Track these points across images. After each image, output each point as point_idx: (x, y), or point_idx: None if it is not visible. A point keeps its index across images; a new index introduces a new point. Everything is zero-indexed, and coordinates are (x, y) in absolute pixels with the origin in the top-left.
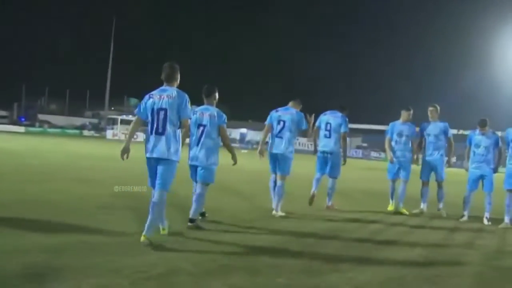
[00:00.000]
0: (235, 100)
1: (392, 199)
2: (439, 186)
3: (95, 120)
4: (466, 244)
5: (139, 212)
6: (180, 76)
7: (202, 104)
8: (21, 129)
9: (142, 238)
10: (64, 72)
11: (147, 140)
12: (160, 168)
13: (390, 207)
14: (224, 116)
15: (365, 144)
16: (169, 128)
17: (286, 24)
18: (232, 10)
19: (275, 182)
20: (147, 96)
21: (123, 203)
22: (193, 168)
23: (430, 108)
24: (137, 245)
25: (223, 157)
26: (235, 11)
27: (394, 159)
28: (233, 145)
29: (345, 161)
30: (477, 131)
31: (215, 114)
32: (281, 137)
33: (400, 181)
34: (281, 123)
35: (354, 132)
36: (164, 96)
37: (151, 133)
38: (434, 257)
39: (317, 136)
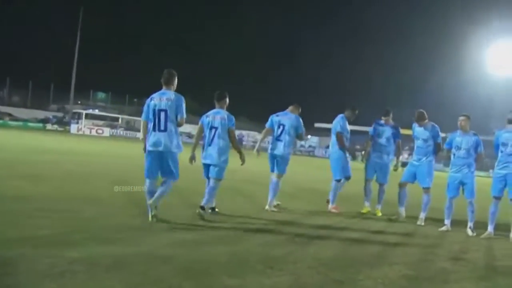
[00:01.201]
0: (206, 97)
1: (367, 202)
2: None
3: (60, 114)
4: (452, 260)
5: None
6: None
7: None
8: None
9: (150, 202)
10: (27, 62)
11: (149, 137)
12: (166, 160)
13: (365, 210)
14: (234, 119)
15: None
16: (169, 126)
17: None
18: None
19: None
20: (148, 99)
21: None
22: (206, 167)
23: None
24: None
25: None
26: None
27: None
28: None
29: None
30: (458, 132)
31: (226, 117)
32: (280, 140)
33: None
34: (281, 127)
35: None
36: (164, 98)
37: (154, 130)
38: (417, 275)
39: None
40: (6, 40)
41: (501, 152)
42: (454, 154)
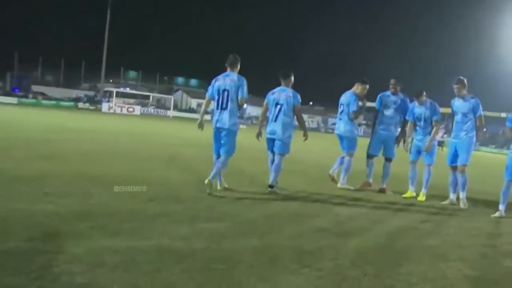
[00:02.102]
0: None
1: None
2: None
3: (91, 93)
4: None
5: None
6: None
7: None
8: (14, 100)
9: (206, 181)
10: (59, 42)
11: (213, 114)
12: (223, 137)
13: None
14: (299, 96)
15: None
16: (230, 105)
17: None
18: None
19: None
20: (213, 80)
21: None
22: (271, 141)
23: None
24: None
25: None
26: None
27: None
28: None
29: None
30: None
31: (291, 95)
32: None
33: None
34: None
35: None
36: (227, 79)
37: (217, 108)
38: (481, 276)
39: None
40: (39, 19)
41: None
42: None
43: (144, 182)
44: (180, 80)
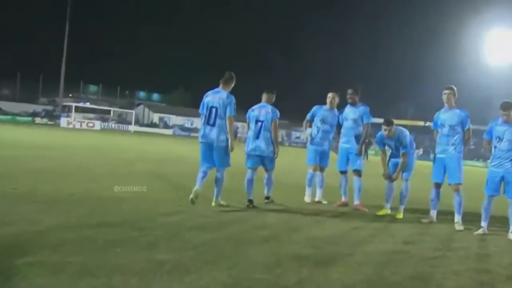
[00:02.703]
0: (199, 88)
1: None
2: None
3: (50, 108)
4: None
5: None
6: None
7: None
8: None
9: (213, 204)
10: (15, 54)
11: (201, 129)
12: (214, 153)
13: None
14: (278, 112)
15: None
16: (218, 121)
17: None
18: None
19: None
20: (204, 96)
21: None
22: (255, 157)
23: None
24: None
25: None
26: None
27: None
28: (195, 134)
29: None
30: (500, 120)
31: (270, 111)
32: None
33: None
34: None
35: None
36: (216, 96)
37: (205, 123)
38: None
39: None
40: None
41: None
42: (495, 147)
43: (97, 203)
44: (142, 94)
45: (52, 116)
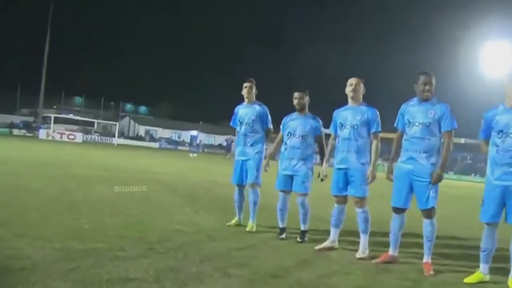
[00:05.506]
0: (187, 101)
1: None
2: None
3: (30, 119)
4: None
5: None
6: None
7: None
8: None
9: (249, 228)
10: None
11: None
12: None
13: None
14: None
15: None
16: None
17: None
18: None
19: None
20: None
21: None
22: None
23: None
24: None
25: None
26: None
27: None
28: (182, 148)
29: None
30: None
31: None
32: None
33: None
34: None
35: None
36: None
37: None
38: None
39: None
40: None
41: None
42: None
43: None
44: (129, 106)
45: (31, 128)
